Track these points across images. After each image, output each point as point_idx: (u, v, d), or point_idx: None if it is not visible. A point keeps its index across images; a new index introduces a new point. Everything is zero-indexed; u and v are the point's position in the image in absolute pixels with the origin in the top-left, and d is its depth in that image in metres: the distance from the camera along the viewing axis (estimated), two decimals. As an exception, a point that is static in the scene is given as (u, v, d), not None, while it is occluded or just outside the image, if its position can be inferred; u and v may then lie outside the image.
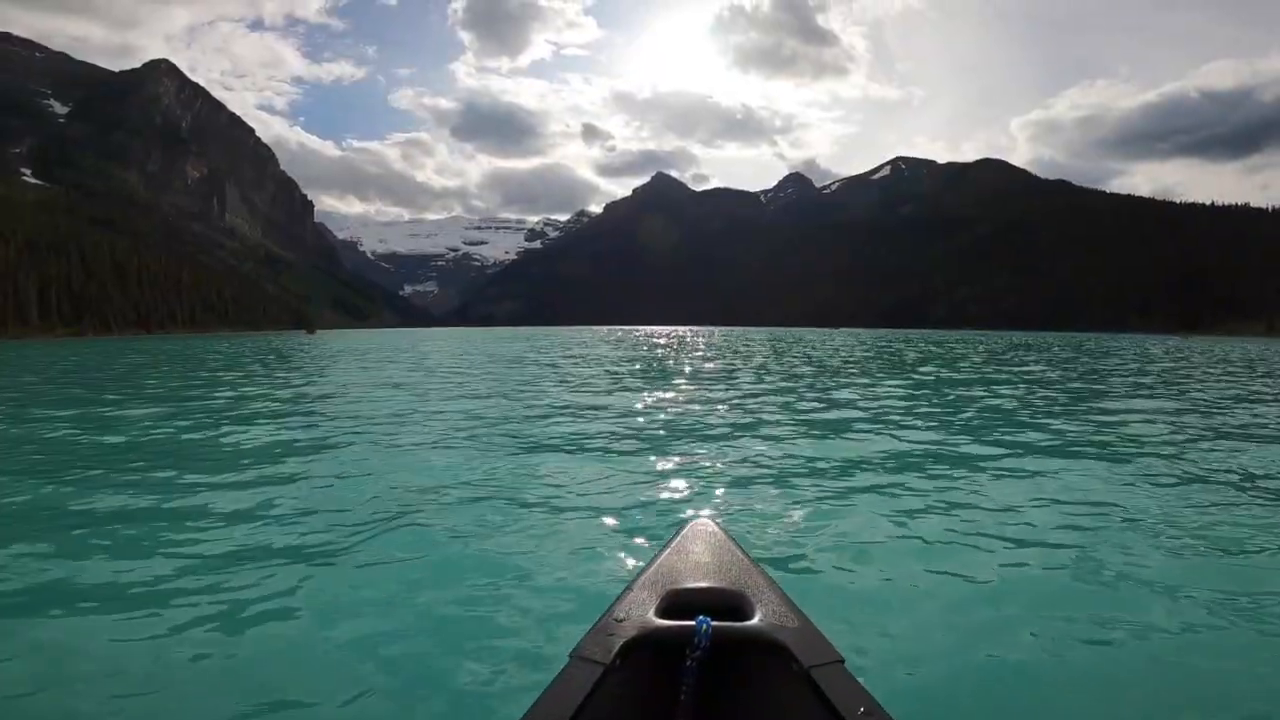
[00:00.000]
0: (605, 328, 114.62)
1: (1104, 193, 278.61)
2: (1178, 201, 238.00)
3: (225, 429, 6.75)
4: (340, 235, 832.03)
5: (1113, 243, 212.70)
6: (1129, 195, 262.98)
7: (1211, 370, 17.30)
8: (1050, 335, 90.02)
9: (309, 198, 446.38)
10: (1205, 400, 9.95)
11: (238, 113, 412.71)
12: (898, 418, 7.35)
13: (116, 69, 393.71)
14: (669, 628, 1.20)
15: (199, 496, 3.99)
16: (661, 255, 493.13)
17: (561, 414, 7.53)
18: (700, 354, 21.77)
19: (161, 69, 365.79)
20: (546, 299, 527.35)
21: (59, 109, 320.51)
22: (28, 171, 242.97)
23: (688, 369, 14.78)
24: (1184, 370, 17.13)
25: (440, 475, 4.42)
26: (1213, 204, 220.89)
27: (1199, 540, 3.16)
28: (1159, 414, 8.15)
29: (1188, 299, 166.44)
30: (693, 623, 1.17)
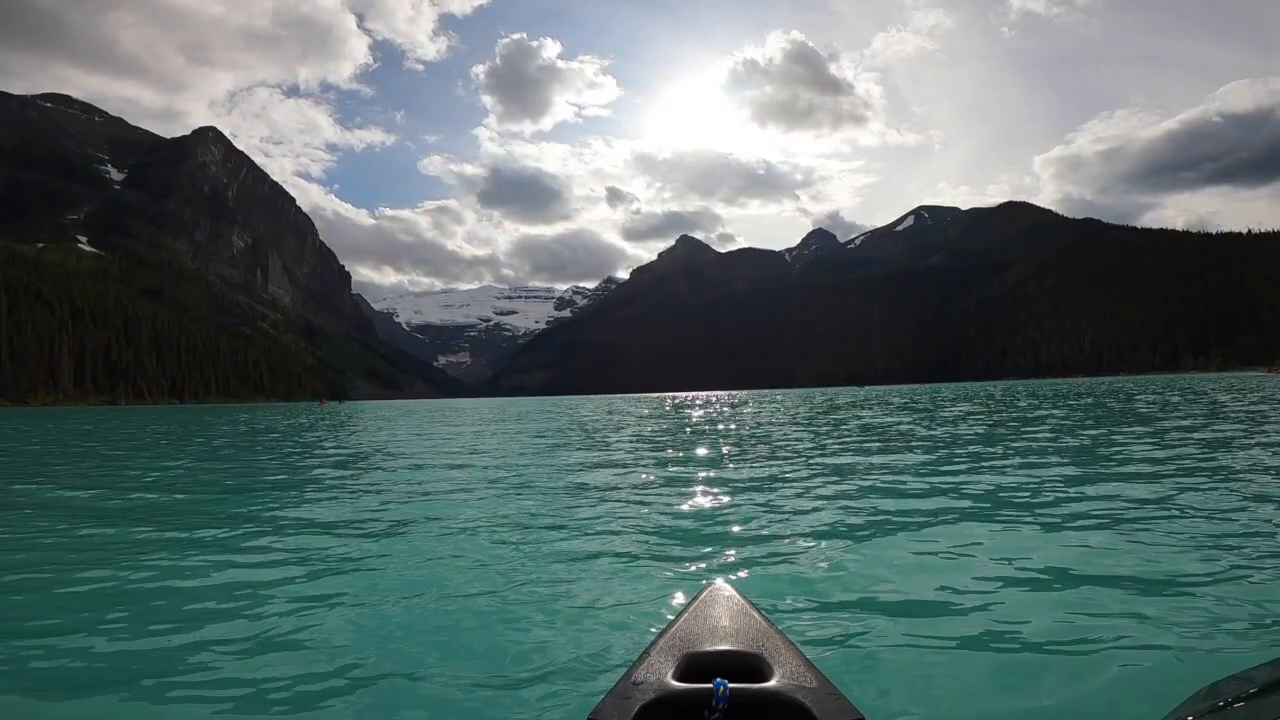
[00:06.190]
0: (633, 395, 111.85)
1: (1136, 229, 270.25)
2: (1214, 232, 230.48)
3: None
4: (377, 306, 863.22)
5: (1153, 280, 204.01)
6: (1162, 230, 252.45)
7: None
8: (1122, 380, 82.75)
9: (346, 268, 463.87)
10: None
11: (278, 180, 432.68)
12: (924, 475, 6.72)
13: (164, 133, 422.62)
14: (686, 690, 1.20)
15: (203, 561, 3.96)
16: (689, 320, 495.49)
17: (581, 480, 7.39)
18: (728, 417, 20.22)
19: (209, 136, 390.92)
20: (576, 368, 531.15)
21: (115, 175, 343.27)
22: (84, 239, 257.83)
23: (716, 435, 13.87)
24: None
25: (457, 538, 4.41)
26: (1249, 232, 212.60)
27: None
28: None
29: (1241, 334, 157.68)
30: (710, 685, 1.17)
